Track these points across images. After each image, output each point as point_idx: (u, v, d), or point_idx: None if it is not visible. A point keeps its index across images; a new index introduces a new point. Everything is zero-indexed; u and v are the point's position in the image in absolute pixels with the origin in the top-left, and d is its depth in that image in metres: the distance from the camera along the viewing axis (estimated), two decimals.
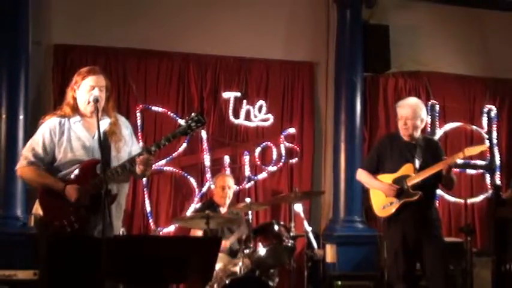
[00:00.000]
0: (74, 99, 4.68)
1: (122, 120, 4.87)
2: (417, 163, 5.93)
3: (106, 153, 4.56)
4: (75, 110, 4.69)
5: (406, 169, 5.96)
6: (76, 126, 4.67)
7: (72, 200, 4.50)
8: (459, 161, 6.59)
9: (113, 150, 4.67)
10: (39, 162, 4.60)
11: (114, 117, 4.79)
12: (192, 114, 4.65)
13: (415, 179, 5.88)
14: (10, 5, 7.14)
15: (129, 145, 4.75)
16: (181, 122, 4.60)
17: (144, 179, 7.35)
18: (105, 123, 4.69)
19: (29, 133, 6.99)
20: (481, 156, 8.33)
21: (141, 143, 7.09)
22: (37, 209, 4.65)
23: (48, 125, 4.65)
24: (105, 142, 4.58)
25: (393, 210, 5.99)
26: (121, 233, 6.91)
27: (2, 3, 7.11)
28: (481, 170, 8.58)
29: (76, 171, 4.61)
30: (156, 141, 4.68)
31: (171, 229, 7.60)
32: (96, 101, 4.49)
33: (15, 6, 7.17)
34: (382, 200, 6.08)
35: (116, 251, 4.51)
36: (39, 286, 5.22)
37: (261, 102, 8.04)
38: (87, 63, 7.16)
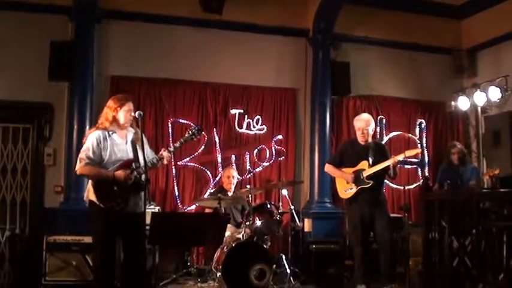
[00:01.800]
0: (113, 117, 4.76)
1: (138, 131, 4.87)
2: (370, 160, 5.98)
3: (136, 153, 4.76)
4: (111, 124, 4.76)
5: (362, 164, 6.02)
6: (114, 135, 4.77)
7: (122, 179, 4.60)
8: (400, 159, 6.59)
9: (139, 151, 4.74)
10: (91, 162, 4.65)
11: (136, 129, 4.89)
12: (193, 126, 4.99)
13: (369, 172, 5.92)
14: (81, 46, 7.12)
15: (145, 148, 4.76)
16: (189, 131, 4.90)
17: (174, 172, 7.47)
18: (131, 134, 4.85)
19: None
20: (415, 156, 8.35)
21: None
22: (87, 196, 4.74)
23: (94, 135, 4.73)
24: (134, 146, 4.78)
25: (353, 193, 6.02)
26: (157, 210, 6.96)
27: (75, 45, 7.09)
28: (415, 166, 8.57)
29: (119, 166, 4.69)
30: (173, 144, 5.07)
31: (193, 207, 7.57)
32: (140, 115, 4.64)
33: (85, 46, 7.14)
34: (344, 186, 6.12)
35: (155, 222, 4.55)
36: (93, 249, 5.19)
37: (258, 116, 7.99)
38: (134, 90, 7.36)
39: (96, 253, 4.88)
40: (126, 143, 4.77)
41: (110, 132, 4.74)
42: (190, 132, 4.97)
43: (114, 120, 4.77)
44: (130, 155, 4.71)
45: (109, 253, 4.61)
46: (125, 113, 4.76)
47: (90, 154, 4.65)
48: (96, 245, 4.84)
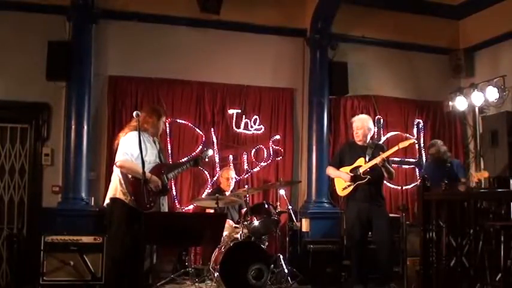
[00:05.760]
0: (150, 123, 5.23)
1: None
2: (367, 157, 6.02)
3: (163, 157, 5.35)
4: (145, 128, 5.15)
5: (359, 162, 6.09)
6: (147, 139, 5.13)
7: (154, 185, 4.99)
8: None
9: (162, 158, 5.32)
10: (131, 158, 4.97)
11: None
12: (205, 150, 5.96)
13: (365, 167, 5.98)
14: (79, 46, 7.10)
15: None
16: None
17: None
18: (157, 141, 5.36)
19: (91, 139, 7.07)
20: (412, 155, 8.38)
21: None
22: (114, 194, 5.03)
23: (132, 135, 5.04)
24: (161, 151, 5.33)
25: (350, 189, 6.06)
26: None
27: (73, 45, 7.08)
28: (412, 166, 8.55)
29: (153, 170, 5.07)
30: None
31: (190, 207, 7.56)
32: (137, 115, 4.95)
33: (83, 46, 7.14)
34: (342, 184, 6.17)
35: (152, 222, 4.57)
36: (111, 243, 5.49)
37: (256, 116, 7.98)
38: (132, 90, 7.44)
39: (116, 248, 5.06)
40: (156, 146, 5.25)
41: (144, 134, 5.02)
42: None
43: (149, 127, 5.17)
44: (158, 160, 5.16)
45: (128, 249, 4.85)
46: (161, 124, 5.35)
47: (130, 151, 4.95)
48: (116, 239, 5.05)
